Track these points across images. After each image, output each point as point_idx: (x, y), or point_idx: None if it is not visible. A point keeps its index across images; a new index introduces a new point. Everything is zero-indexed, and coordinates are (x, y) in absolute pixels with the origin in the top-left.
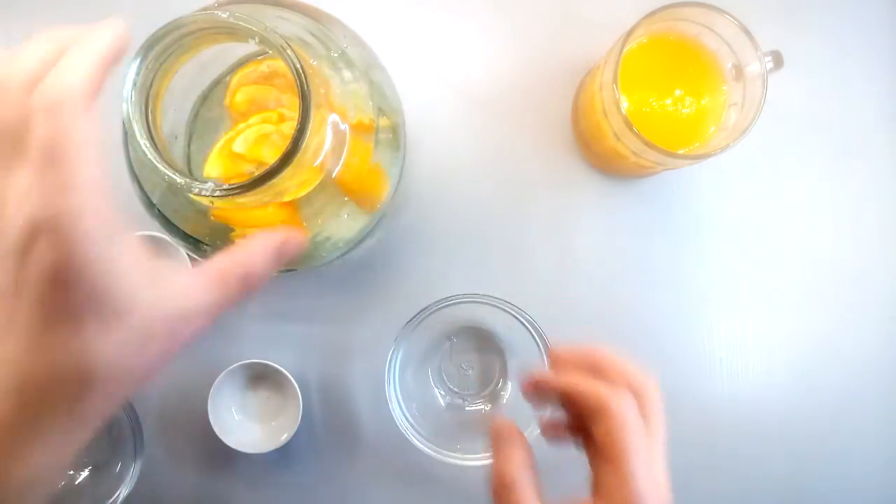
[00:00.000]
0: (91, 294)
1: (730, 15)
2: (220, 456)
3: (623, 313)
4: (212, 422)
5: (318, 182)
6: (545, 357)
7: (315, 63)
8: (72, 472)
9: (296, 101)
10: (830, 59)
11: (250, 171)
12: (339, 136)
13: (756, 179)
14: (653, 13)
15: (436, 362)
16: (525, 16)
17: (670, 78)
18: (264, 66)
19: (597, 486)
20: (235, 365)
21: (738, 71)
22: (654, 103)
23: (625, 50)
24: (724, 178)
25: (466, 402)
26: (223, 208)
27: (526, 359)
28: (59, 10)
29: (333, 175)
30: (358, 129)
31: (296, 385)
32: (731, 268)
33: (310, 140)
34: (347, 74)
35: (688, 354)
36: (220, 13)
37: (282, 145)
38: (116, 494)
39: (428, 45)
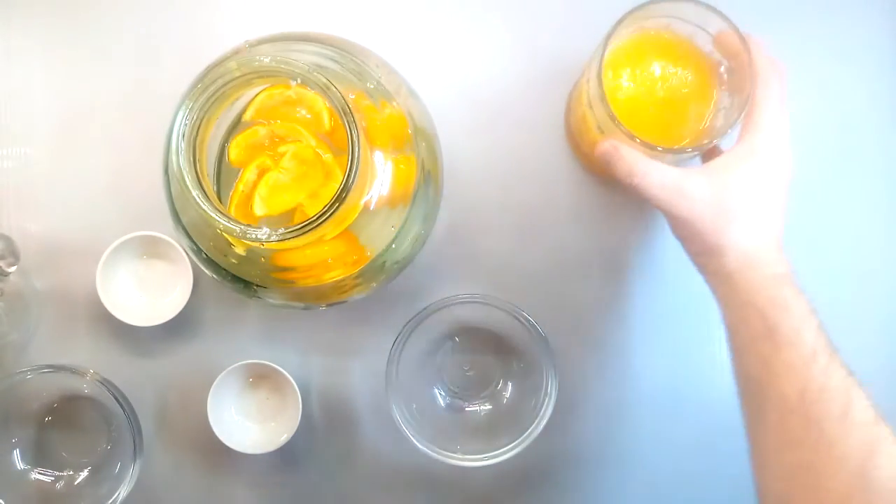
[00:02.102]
0: None
1: (722, 16)
2: (220, 456)
3: (623, 313)
4: (211, 422)
5: (366, 212)
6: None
7: (353, 97)
8: (71, 473)
9: (290, 127)
10: (827, 61)
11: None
12: (382, 166)
13: None
14: (641, 6)
15: (436, 362)
16: (524, 16)
17: (662, 76)
18: (292, 93)
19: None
20: (235, 365)
21: (731, 72)
22: (645, 100)
23: (618, 45)
24: None
25: (466, 403)
26: (280, 250)
27: (526, 359)
28: (59, 10)
29: (382, 202)
30: (398, 154)
31: (295, 385)
32: None
33: (358, 177)
34: (385, 105)
35: (688, 354)
36: (262, 58)
37: (291, 180)
38: (116, 495)
39: (426, 46)
